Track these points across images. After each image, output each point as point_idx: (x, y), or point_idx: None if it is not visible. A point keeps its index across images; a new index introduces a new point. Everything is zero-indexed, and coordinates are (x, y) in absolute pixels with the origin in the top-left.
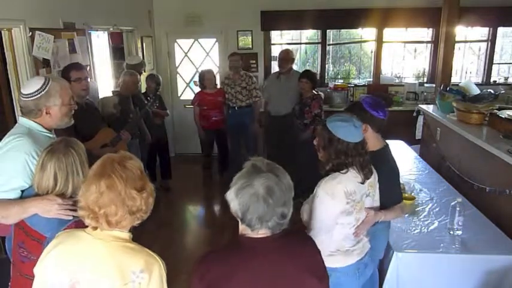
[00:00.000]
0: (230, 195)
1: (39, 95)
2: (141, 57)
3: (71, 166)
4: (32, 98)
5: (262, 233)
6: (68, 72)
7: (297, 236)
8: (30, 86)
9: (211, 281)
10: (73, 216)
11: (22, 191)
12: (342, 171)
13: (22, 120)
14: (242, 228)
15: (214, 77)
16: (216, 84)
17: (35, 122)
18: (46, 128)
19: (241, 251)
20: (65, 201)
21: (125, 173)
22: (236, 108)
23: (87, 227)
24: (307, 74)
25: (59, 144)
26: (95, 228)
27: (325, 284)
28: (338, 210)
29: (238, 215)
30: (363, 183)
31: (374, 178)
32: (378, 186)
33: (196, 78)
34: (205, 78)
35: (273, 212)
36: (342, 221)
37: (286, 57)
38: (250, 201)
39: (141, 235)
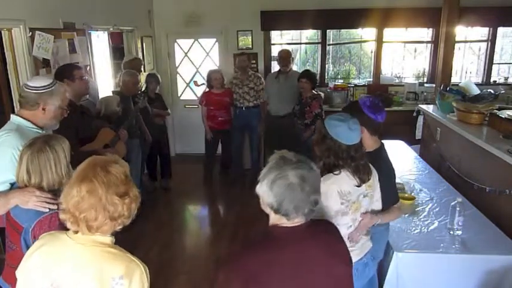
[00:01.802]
0: (262, 188)
1: (43, 91)
2: (140, 56)
3: (44, 162)
4: (35, 91)
5: (297, 221)
6: (71, 71)
7: (323, 223)
8: (37, 80)
9: (249, 276)
10: (50, 209)
11: (12, 184)
12: (335, 173)
13: (12, 118)
14: (276, 218)
15: (222, 76)
16: (224, 84)
17: (25, 119)
18: (36, 124)
19: (276, 241)
20: (43, 193)
21: (107, 177)
22: (243, 108)
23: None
24: (306, 74)
25: (37, 140)
26: (76, 232)
27: (350, 269)
28: (333, 211)
29: (273, 206)
30: (358, 186)
31: (373, 179)
32: (378, 186)
33: (196, 78)
34: (212, 78)
35: (308, 200)
36: (337, 222)
37: (288, 57)
38: (286, 191)
39: (141, 235)
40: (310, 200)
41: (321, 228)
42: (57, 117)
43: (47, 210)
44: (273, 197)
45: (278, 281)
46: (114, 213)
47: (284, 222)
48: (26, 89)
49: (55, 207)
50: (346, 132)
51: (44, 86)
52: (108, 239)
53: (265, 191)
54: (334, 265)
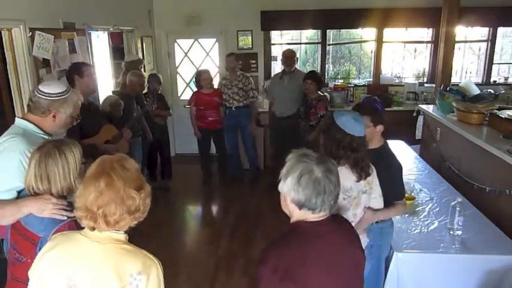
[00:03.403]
0: (287, 186)
1: (57, 98)
2: (140, 56)
3: (51, 167)
4: (48, 98)
5: (321, 215)
6: (80, 68)
7: (338, 216)
8: (51, 86)
9: (285, 271)
10: (67, 216)
11: (19, 192)
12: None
13: (18, 121)
14: (301, 214)
15: (211, 77)
16: (212, 84)
17: (32, 123)
18: (43, 130)
19: (305, 236)
20: (60, 201)
21: (124, 172)
22: (233, 108)
23: (80, 228)
24: (311, 75)
25: (48, 143)
26: (93, 228)
27: (364, 253)
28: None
29: (300, 201)
30: (358, 181)
31: (372, 176)
32: (377, 183)
33: None
34: (201, 78)
35: (334, 192)
36: None
37: (292, 56)
38: (314, 186)
39: (141, 235)
40: (334, 194)
41: (340, 219)
42: (67, 125)
43: (65, 218)
44: (301, 194)
45: (313, 275)
46: (131, 207)
47: (309, 217)
48: (38, 94)
49: (72, 214)
50: (352, 122)
51: (57, 93)
52: (123, 236)
53: (292, 188)
54: (354, 251)
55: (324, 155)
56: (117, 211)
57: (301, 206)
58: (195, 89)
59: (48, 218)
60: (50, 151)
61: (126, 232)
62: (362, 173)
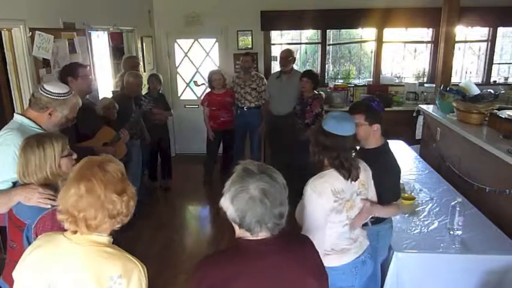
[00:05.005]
0: (225, 203)
1: (56, 98)
2: (140, 56)
3: (29, 157)
4: (49, 96)
5: (262, 235)
6: (76, 69)
7: (295, 236)
8: (54, 86)
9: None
10: (52, 205)
11: (14, 183)
12: (326, 169)
13: (16, 116)
14: (240, 232)
15: (223, 77)
16: (225, 85)
17: (29, 118)
18: (39, 125)
19: (240, 254)
20: (46, 190)
21: (105, 176)
22: (245, 108)
23: None
24: (308, 73)
25: (32, 136)
26: (74, 232)
27: (325, 284)
28: (327, 209)
29: (236, 221)
30: (350, 180)
31: (366, 177)
32: (371, 183)
33: (196, 78)
34: (212, 78)
35: (271, 214)
36: (332, 219)
37: (287, 56)
38: (247, 206)
39: (141, 235)
40: (274, 214)
41: (294, 241)
42: (61, 125)
43: (49, 206)
44: (234, 212)
45: None
46: (113, 211)
47: (248, 236)
48: (40, 91)
49: (56, 203)
50: (333, 122)
51: (58, 93)
52: (106, 239)
53: (228, 206)
54: (305, 280)
55: (267, 170)
56: (97, 216)
57: (238, 225)
58: (195, 89)
59: (35, 206)
60: (30, 142)
61: (110, 234)
62: (346, 173)
